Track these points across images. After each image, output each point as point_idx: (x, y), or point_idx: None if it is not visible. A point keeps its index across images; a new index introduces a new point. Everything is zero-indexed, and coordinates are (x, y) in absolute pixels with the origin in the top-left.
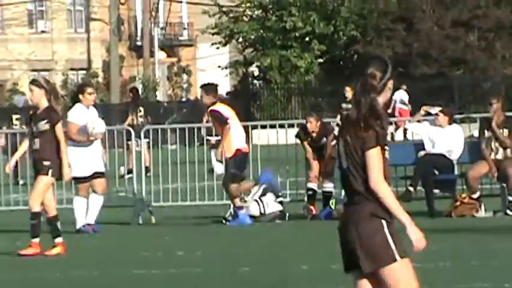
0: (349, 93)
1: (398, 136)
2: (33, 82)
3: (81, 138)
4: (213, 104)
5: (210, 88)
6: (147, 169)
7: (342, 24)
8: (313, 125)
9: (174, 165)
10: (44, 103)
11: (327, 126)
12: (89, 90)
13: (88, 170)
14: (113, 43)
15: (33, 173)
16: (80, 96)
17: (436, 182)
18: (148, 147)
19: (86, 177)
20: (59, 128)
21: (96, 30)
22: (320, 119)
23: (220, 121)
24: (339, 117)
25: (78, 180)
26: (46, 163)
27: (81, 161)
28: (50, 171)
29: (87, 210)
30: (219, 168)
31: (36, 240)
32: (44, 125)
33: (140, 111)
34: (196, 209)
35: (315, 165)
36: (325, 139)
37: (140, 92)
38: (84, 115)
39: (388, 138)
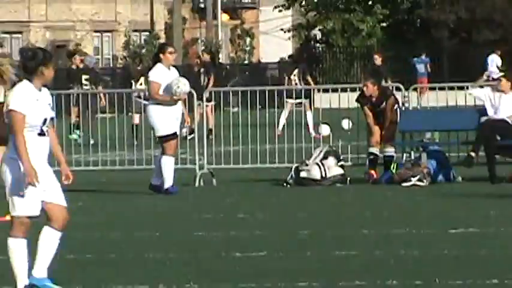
0: (377, 60)
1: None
2: None
3: (165, 97)
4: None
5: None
6: (210, 131)
7: None
8: (369, 89)
9: (236, 128)
10: None
11: (387, 91)
12: (170, 49)
13: (172, 128)
14: (176, 5)
15: None
16: (161, 55)
17: (498, 148)
18: (212, 110)
19: (171, 134)
20: None
21: None
22: (378, 83)
23: None
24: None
25: (165, 138)
26: None
27: (165, 119)
28: None
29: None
30: (326, 130)
31: None
32: None
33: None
34: (258, 172)
35: (376, 130)
36: (385, 103)
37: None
38: (165, 75)
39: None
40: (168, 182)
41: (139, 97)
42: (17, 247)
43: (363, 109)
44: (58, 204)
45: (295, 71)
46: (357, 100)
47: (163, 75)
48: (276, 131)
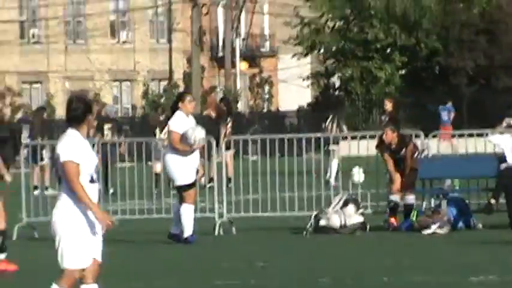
0: (387, 106)
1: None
2: None
3: (185, 147)
4: None
5: None
6: (229, 180)
7: (423, 36)
8: (389, 136)
9: (255, 176)
10: None
11: (406, 138)
12: (189, 98)
13: (191, 177)
14: (194, 54)
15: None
16: (180, 104)
17: None
18: (233, 158)
19: (190, 184)
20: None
21: (178, 41)
22: (397, 131)
23: None
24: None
25: (184, 188)
26: None
27: (184, 169)
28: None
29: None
30: (362, 176)
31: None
32: None
33: (229, 121)
34: (277, 220)
35: (397, 177)
36: (404, 150)
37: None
38: (185, 123)
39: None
40: (188, 231)
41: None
42: None
43: (382, 156)
44: (97, 259)
45: (330, 118)
46: (377, 147)
47: (182, 123)
48: (331, 182)
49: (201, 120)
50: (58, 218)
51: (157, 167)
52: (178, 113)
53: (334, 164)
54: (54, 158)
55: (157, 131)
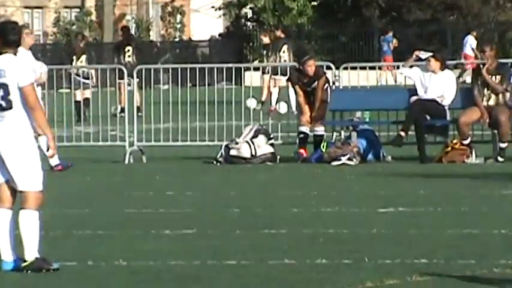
0: (265, 39)
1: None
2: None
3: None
4: None
5: None
6: (139, 109)
7: None
8: (312, 68)
9: (166, 106)
10: None
11: (318, 70)
12: (26, 31)
13: None
14: None
15: None
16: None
17: (427, 128)
18: (140, 87)
19: None
20: None
21: None
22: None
23: None
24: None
25: None
26: None
27: None
28: None
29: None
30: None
31: None
32: None
33: (128, 50)
34: (187, 150)
35: (307, 109)
36: (316, 83)
37: (133, 32)
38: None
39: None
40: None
41: (78, 75)
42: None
43: (293, 88)
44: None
45: (285, 47)
46: (288, 79)
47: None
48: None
49: (112, 47)
50: (18, 142)
51: (77, 95)
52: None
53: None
54: None
55: (75, 58)
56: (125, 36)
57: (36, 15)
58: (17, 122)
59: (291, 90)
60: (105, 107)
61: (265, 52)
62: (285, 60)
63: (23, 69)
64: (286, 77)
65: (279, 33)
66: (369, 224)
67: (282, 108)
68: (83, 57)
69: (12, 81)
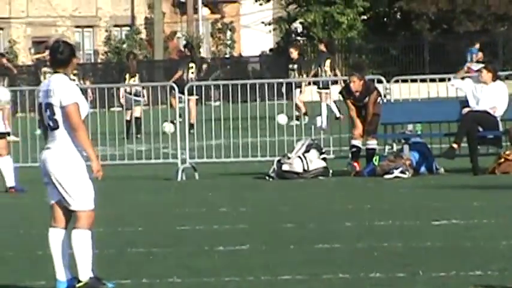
0: (293, 54)
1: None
2: None
3: None
4: None
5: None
6: (192, 126)
7: None
8: (356, 84)
9: (218, 122)
10: None
11: (370, 85)
12: None
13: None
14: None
15: None
16: None
17: (480, 139)
18: (196, 104)
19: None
20: None
21: None
22: (363, 78)
23: None
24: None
25: None
26: None
27: None
28: None
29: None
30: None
31: None
32: None
33: (192, 67)
34: (239, 166)
35: (359, 122)
36: (367, 98)
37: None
38: None
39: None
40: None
41: (130, 93)
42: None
43: (345, 102)
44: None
45: (327, 62)
46: (340, 93)
47: None
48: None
49: (163, 64)
50: (65, 163)
51: (128, 114)
52: None
53: (323, 108)
54: (39, 104)
55: (127, 76)
56: (190, 53)
57: (86, 34)
58: (66, 141)
59: (324, 105)
60: (157, 125)
61: (291, 66)
62: (328, 75)
63: (65, 88)
64: (328, 90)
65: (322, 47)
66: (422, 237)
67: (281, 119)
68: (137, 76)
69: (56, 101)
